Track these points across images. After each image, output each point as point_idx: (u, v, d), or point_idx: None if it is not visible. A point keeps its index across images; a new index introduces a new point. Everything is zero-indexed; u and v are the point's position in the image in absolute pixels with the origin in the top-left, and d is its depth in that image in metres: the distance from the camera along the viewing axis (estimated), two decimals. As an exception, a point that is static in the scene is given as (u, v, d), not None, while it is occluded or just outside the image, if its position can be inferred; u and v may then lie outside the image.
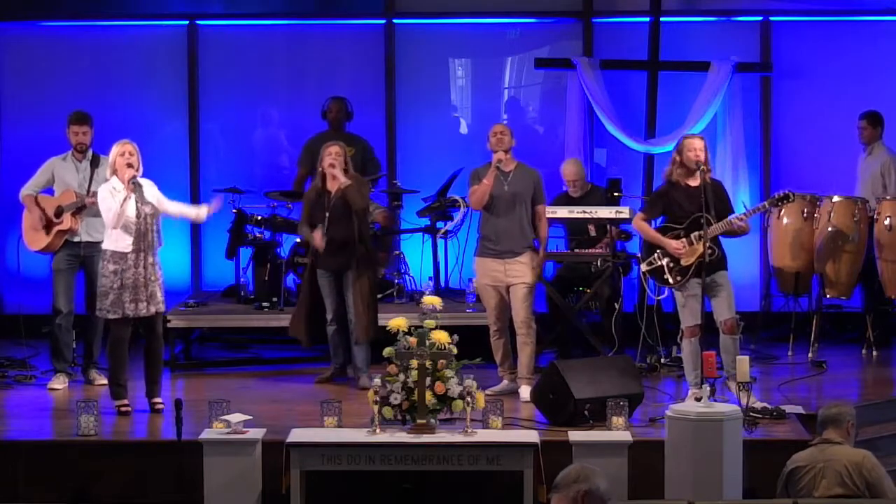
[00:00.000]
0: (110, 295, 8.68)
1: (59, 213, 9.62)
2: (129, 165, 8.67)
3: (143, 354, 8.93)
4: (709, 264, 8.68)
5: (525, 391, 8.98)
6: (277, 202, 11.06)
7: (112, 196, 8.66)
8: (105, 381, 9.50)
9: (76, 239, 9.67)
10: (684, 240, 8.78)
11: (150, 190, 8.77)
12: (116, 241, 8.68)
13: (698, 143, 8.86)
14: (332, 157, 9.43)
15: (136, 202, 8.63)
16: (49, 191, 9.78)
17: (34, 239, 9.76)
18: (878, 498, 6.55)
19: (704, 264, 8.64)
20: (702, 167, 8.74)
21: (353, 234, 9.43)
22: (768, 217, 10.88)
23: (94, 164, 9.70)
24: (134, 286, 8.65)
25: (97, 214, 9.30)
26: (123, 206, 8.60)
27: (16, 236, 10.11)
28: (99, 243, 9.52)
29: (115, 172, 8.75)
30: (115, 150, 8.78)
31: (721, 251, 8.82)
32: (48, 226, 9.66)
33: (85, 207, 9.56)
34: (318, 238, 9.41)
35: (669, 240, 8.81)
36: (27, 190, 9.80)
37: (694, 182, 8.81)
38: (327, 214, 9.39)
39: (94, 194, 9.47)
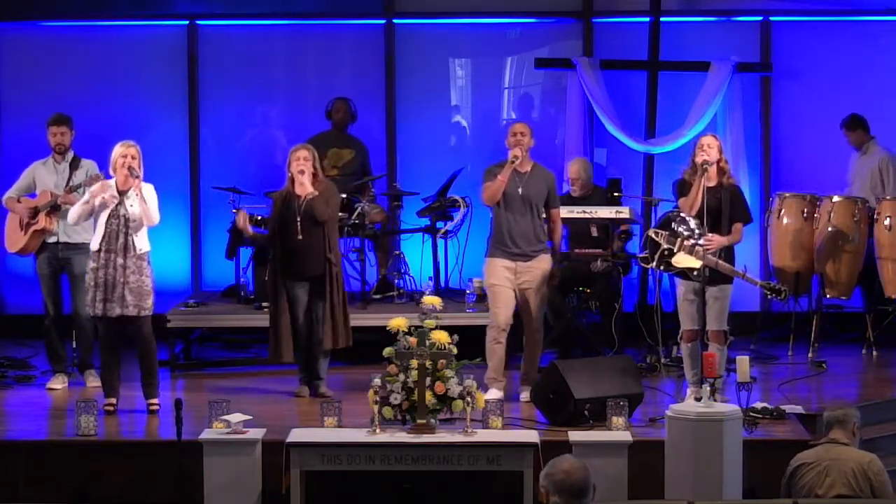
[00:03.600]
0: (89, 292, 8.76)
1: (35, 213, 9.63)
2: (130, 169, 8.68)
3: (137, 356, 8.97)
4: (710, 278, 8.65)
5: (526, 392, 8.96)
6: (277, 202, 11.04)
7: (91, 194, 8.71)
8: (99, 383, 9.53)
9: (53, 240, 9.67)
10: (689, 243, 8.72)
11: (149, 197, 8.77)
12: (92, 240, 8.80)
13: (706, 141, 8.80)
14: (302, 163, 9.16)
15: (118, 206, 8.66)
16: (33, 195, 9.78)
17: (13, 241, 9.78)
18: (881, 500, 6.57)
19: (704, 278, 8.62)
20: (708, 164, 8.69)
21: (326, 241, 9.29)
22: (768, 217, 10.89)
23: (74, 166, 9.71)
24: (104, 285, 8.69)
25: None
26: (87, 208, 8.65)
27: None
28: (77, 244, 9.57)
29: (114, 172, 8.78)
30: (117, 150, 8.79)
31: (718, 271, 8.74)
32: (26, 227, 9.68)
33: (59, 207, 9.56)
34: (241, 219, 9.39)
35: (697, 194, 8.69)
36: (9, 193, 9.83)
37: (710, 182, 8.75)
38: (299, 219, 9.17)
39: (70, 190, 9.50)
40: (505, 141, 9.16)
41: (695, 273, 8.69)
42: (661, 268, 8.87)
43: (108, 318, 8.73)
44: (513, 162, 8.97)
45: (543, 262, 9.09)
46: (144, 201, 8.71)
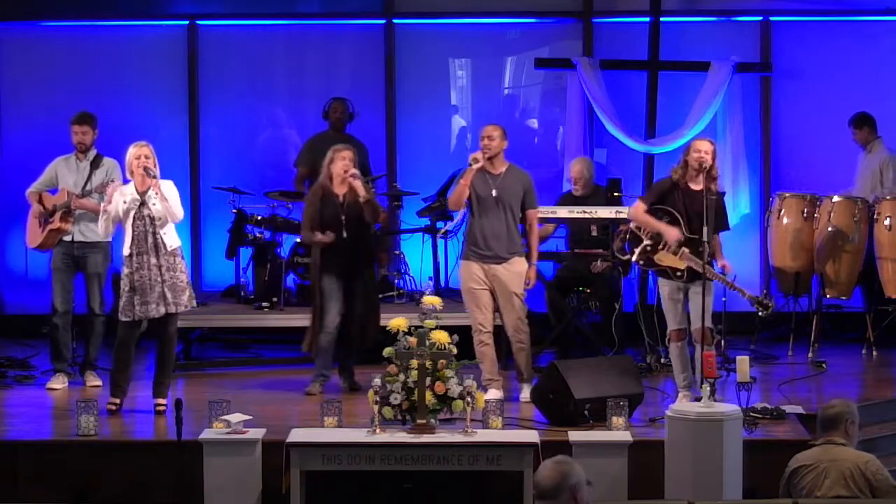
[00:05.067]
0: (123, 297, 8.72)
1: (53, 211, 9.64)
2: (146, 170, 8.66)
3: (155, 353, 8.95)
4: (690, 274, 8.66)
5: (526, 392, 8.96)
6: (277, 202, 11.06)
7: (115, 203, 8.68)
8: (98, 383, 9.56)
9: (69, 238, 9.67)
10: (680, 245, 8.73)
11: (170, 193, 8.75)
12: (124, 246, 8.76)
13: (704, 146, 8.80)
14: (349, 164, 9.24)
15: (141, 206, 8.65)
16: (55, 191, 9.80)
17: (32, 236, 9.80)
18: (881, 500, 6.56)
19: (704, 273, 8.60)
20: (705, 167, 8.69)
21: (367, 239, 9.40)
22: (768, 217, 10.90)
23: (95, 164, 9.70)
24: (141, 288, 8.66)
25: (94, 219, 9.31)
26: (110, 217, 8.65)
27: (15, 236, 10.14)
28: (93, 243, 9.55)
29: (131, 175, 8.76)
30: (132, 151, 8.75)
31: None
32: (43, 224, 9.69)
33: (72, 210, 9.55)
34: (327, 238, 9.22)
35: (670, 228, 8.73)
36: (31, 188, 9.84)
37: (696, 186, 8.76)
38: (343, 218, 9.24)
39: (81, 195, 9.50)
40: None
41: (678, 274, 8.70)
42: (642, 263, 8.88)
43: (143, 319, 8.69)
44: (471, 165, 8.92)
45: (517, 265, 9.02)
46: (166, 199, 8.68)
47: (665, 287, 8.81)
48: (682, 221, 8.73)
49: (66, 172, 9.74)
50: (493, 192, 8.99)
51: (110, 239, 9.61)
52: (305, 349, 9.54)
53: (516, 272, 9.01)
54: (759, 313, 8.78)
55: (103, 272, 9.73)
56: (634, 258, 8.89)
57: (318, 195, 9.36)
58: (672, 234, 8.72)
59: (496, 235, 8.97)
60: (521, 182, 9.08)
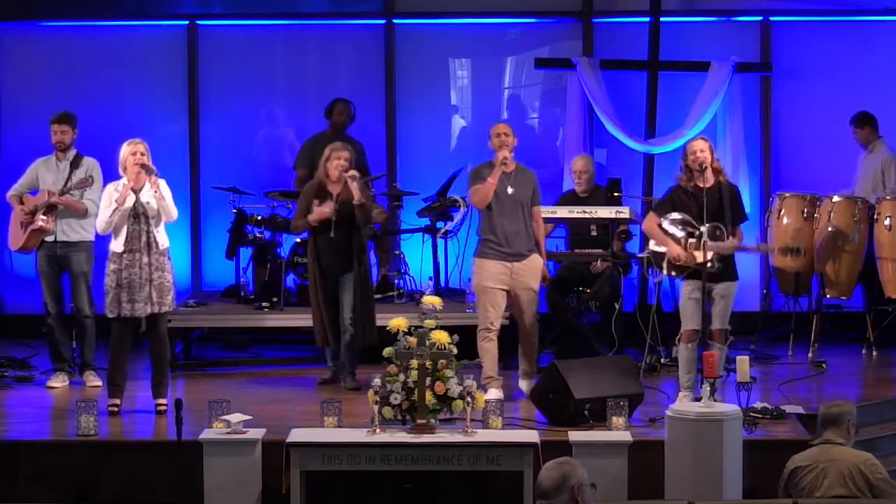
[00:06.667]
0: (110, 294, 8.69)
1: (34, 212, 9.63)
2: (145, 167, 8.64)
3: (149, 354, 8.94)
4: (713, 274, 8.64)
5: (525, 383, 9.01)
6: (277, 202, 11.06)
7: (110, 199, 8.65)
8: (98, 383, 9.54)
9: (51, 238, 9.66)
10: (685, 251, 8.71)
11: (166, 192, 8.73)
12: (113, 242, 8.72)
13: (699, 145, 8.82)
14: (345, 164, 9.30)
15: (136, 204, 8.62)
16: (36, 192, 9.78)
17: (15, 239, 9.80)
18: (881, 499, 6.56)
19: (705, 272, 8.60)
20: (705, 166, 8.70)
21: (360, 237, 9.42)
22: (768, 217, 10.90)
23: (75, 164, 9.70)
24: (129, 286, 8.63)
25: (73, 214, 9.31)
26: (113, 215, 8.60)
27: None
28: (75, 243, 9.55)
29: (125, 171, 8.74)
30: (126, 149, 8.73)
31: (728, 264, 8.76)
32: (25, 226, 9.68)
33: (54, 207, 9.54)
34: (326, 209, 9.27)
35: (673, 244, 8.74)
36: (12, 191, 9.85)
37: (703, 183, 8.76)
38: (334, 219, 9.28)
39: (62, 193, 9.49)
40: (489, 143, 9.16)
41: (709, 265, 8.65)
42: (674, 273, 8.88)
43: (130, 318, 8.68)
44: (503, 163, 8.97)
45: (536, 261, 9.09)
46: (163, 198, 8.67)
47: (687, 286, 8.80)
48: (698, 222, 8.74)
49: (45, 173, 9.74)
50: (510, 190, 9.04)
51: (93, 238, 9.60)
52: (320, 346, 9.61)
53: (536, 268, 9.09)
54: (793, 258, 8.88)
55: (88, 271, 9.71)
56: (665, 272, 8.91)
57: (312, 190, 9.43)
58: (674, 250, 8.72)
59: (516, 233, 9.03)
60: (530, 180, 9.17)
